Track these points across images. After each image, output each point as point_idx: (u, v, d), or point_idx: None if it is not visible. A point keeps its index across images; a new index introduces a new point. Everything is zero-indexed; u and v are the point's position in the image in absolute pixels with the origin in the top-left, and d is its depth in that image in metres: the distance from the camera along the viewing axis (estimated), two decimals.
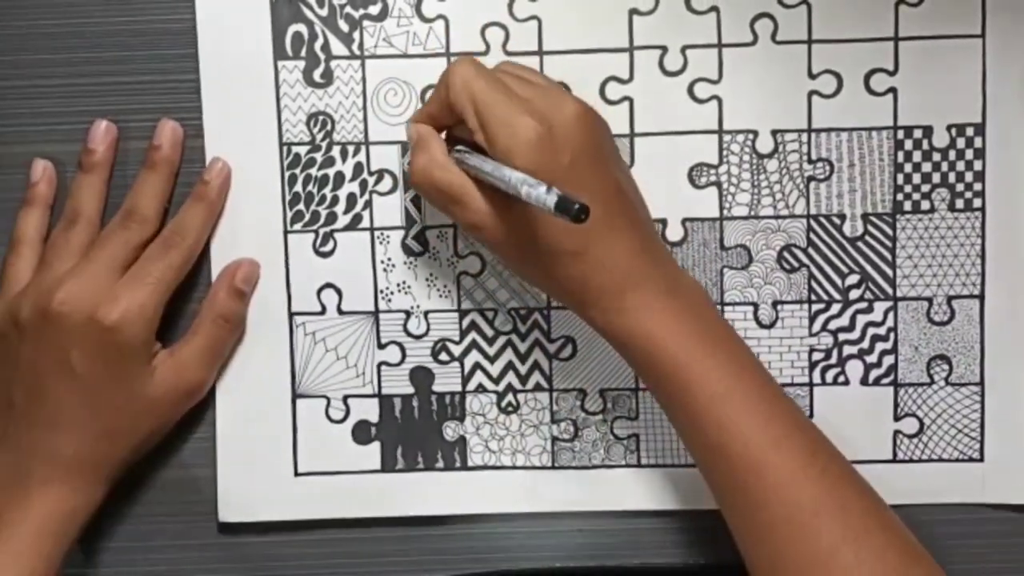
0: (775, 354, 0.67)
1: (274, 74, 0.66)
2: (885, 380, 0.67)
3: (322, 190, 0.67)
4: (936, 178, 0.66)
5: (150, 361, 0.64)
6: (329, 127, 0.67)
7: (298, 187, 0.67)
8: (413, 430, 0.68)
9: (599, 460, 0.68)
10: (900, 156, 0.66)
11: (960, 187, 0.66)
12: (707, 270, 0.67)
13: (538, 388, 0.68)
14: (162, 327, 0.65)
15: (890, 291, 0.67)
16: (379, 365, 0.68)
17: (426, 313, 0.68)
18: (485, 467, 0.68)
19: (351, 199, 0.67)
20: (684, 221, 0.67)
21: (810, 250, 0.67)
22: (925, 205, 0.66)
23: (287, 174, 0.67)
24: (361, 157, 0.67)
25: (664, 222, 0.67)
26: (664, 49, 0.66)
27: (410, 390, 0.68)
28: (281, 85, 0.66)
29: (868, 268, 0.66)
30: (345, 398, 0.68)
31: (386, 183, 0.67)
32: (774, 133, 0.66)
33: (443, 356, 0.68)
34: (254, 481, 0.68)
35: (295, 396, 0.68)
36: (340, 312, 0.68)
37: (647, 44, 0.66)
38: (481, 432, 0.68)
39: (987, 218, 0.66)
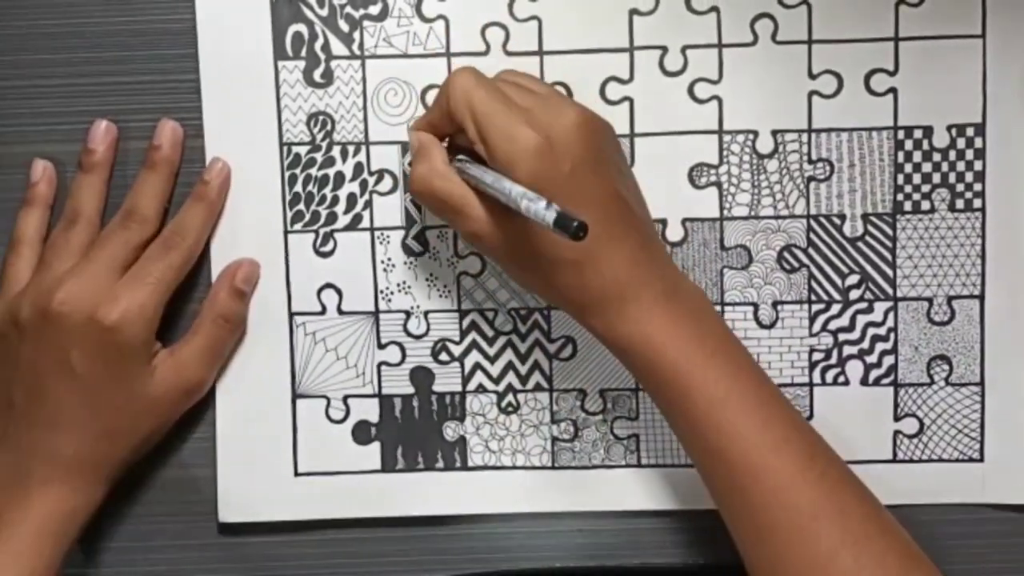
0: (775, 354, 0.67)
1: (274, 74, 0.66)
2: (885, 380, 0.67)
3: (322, 190, 0.67)
4: (936, 178, 0.66)
5: (150, 361, 0.64)
6: (329, 127, 0.67)
7: (298, 187, 0.67)
8: (413, 430, 0.68)
9: (599, 460, 0.68)
10: (900, 156, 0.66)
11: (960, 187, 0.66)
12: (707, 270, 0.67)
13: (538, 388, 0.68)
14: (162, 327, 0.65)
15: (890, 291, 0.67)
16: (379, 365, 0.68)
17: (426, 313, 0.68)
18: (485, 467, 0.68)
19: (351, 199, 0.67)
20: (684, 221, 0.67)
21: (810, 250, 0.67)
22: (925, 205, 0.66)
23: (287, 174, 0.67)
24: (361, 157, 0.67)
25: (664, 222, 0.67)
26: (664, 49, 0.66)
27: (410, 390, 0.68)
28: (281, 85, 0.66)
29: (868, 268, 0.66)
30: (345, 398, 0.68)
31: (386, 183, 0.67)
32: (774, 133, 0.66)
33: (443, 356, 0.68)
34: (254, 481, 0.68)
35: (295, 396, 0.68)
36: (340, 312, 0.68)
37: (647, 44, 0.66)
38: (481, 432, 0.68)
39: (987, 218, 0.66)
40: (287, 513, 0.68)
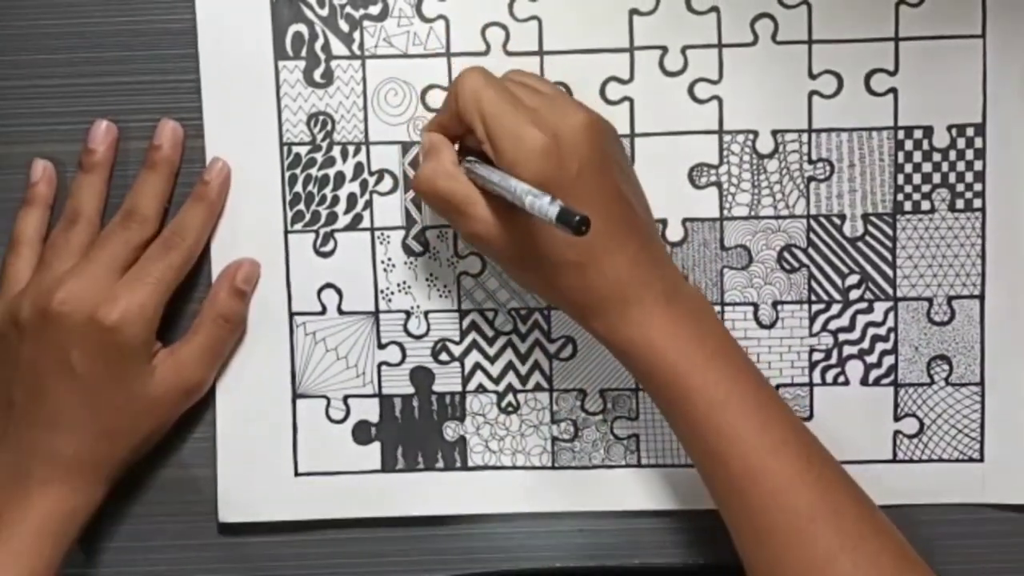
0: (775, 354, 0.67)
1: (274, 74, 0.66)
2: (885, 380, 0.67)
3: (322, 190, 0.67)
4: (936, 178, 0.66)
5: (150, 361, 0.64)
6: (329, 127, 0.67)
7: (298, 187, 0.67)
8: (413, 430, 0.68)
9: (599, 460, 0.68)
10: (900, 156, 0.66)
11: (960, 187, 0.66)
12: (707, 270, 0.67)
13: (538, 388, 0.68)
14: (162, 327, 0.65)
15: (890, 291, 0.67)
16: (379, 365, 0.68)
17: (426, 313, 0.68)
18: (485, 467, 0.68)
19: (351, 199, 0.67)
20: (684, 221, 0.67)
21: (810, 250, 0.67)
22: (925, 205, 0.66)
23: (287, 174, 0.67)
24: (361, 157, 0.67)
25: (664, 222, 0.67)
26: (664, 49, 0.66)
27: (410, 390, 0.68)
28: (281, 85, 0.66)
29: (868, 268, 0.67)
30: (345, 398, 0.68)
31: (386, 183, 0.67)
32: (774, 133, 0.66)
33: (443, 356, 0.68)
34: (254, 481, 0.68)
35: (295, 396, 0.68)
36: (340, 312, 0.68)
37: (647, 44, 0.66)
38: (481, 432, 0.68)
39: (987, 218, 0.66)
40: (287, 513, 0.68)
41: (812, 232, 0.67)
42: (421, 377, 0.68)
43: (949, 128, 0.66)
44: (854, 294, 0.67)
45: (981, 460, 0.67)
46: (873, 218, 0.66)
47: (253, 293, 0.67)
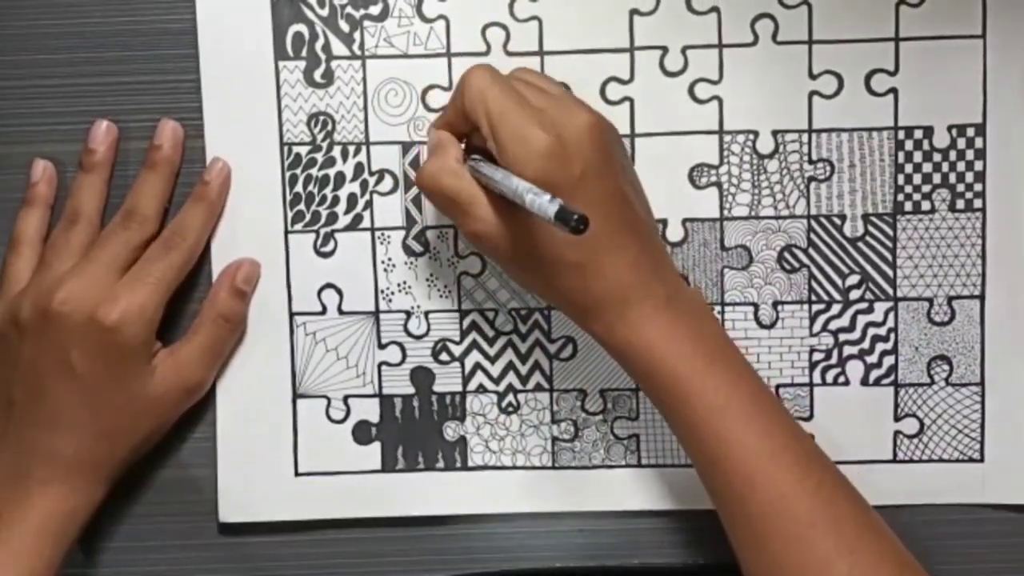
0: (775, 354, 0.67)
1: (275, 74, 0.66)
2: (885, 380, 0.67)
3: (323, 190, 0.67)
4: (937, 178, 0.66)
5: (150, 361, 0.64)
6: (330, 127, 0.67)
7: (299, 187, 0.67)
8: (413, 430, 0.68)
9: (599, 460, 0.68)
10: (901, 156, 0.66)
11: (961, 187, 0.66)
12: (707, 270, 0.67)
13: (538, 388, 0.68)
14: (162, 327, 0.65)
15: (890, 291, 0.67)
16: (379, 365, 0.68)
17: (426, 313, 0.68)
18: (485, 467, 0.68)
19: (352, 199, 0.67)
20: (684, 221, 0.67)
21: (810, 250, 0.67)
22: (926, 205, 0.66)
23: (288, 174, 0.67)
24: (362, 157, 0.67)
25: (664, 222, 0.67)
26: (665, 49, 0.66)
27: (411, 390, 0.68)
28: (282, 85, 0.66)
29: (868, 268, 0.67)
30: (345, 398, 0.68)
31: (387, 183, 0.67)
32: (775, 133, 0.66)
33: (443, 356, 0.68)
34: (254, 481, 0.68)
35: (295, 396, 0.68)
36: (340, 312, 0.68)
37: (648, 44, 0.66)
38: (481, 432, 0.68)
39: (987, 218, 0.66)
40: (287, 513, 0.68)
41: (812, 232, 0.67)
42: (421, 377, 0.68)
43: (949, 128, 0.66)
44: (854, 294, 0.67)
45: (981, 460, 0.67)
46: (873, 218, 0.66)
47: (253, 293, 0.67)
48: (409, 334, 0.68)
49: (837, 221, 0.66)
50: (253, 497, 0.68)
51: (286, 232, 0.67)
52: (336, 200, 0.67)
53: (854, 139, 0.66)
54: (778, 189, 0.66)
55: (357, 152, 0.67)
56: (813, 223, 0.66)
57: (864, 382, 0.67)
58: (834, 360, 0.67)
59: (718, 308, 0.67)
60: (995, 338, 0.66)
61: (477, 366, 0.68)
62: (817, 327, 0.67)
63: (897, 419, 0.67)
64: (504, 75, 0.60)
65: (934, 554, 0.67)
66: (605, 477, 0.68)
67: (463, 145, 0.62)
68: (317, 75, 0.66)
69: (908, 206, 0.66)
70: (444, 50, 0.66)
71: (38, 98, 0.67)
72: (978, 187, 0.66)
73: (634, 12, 0.66)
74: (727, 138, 0.66)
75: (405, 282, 0.67)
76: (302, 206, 0.67)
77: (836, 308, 0.67)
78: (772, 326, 0.67)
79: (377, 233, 0.67)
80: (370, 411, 0.68)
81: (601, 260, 0.59)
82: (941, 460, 0.67)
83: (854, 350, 0.67)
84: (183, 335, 0.66)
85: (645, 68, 0.66)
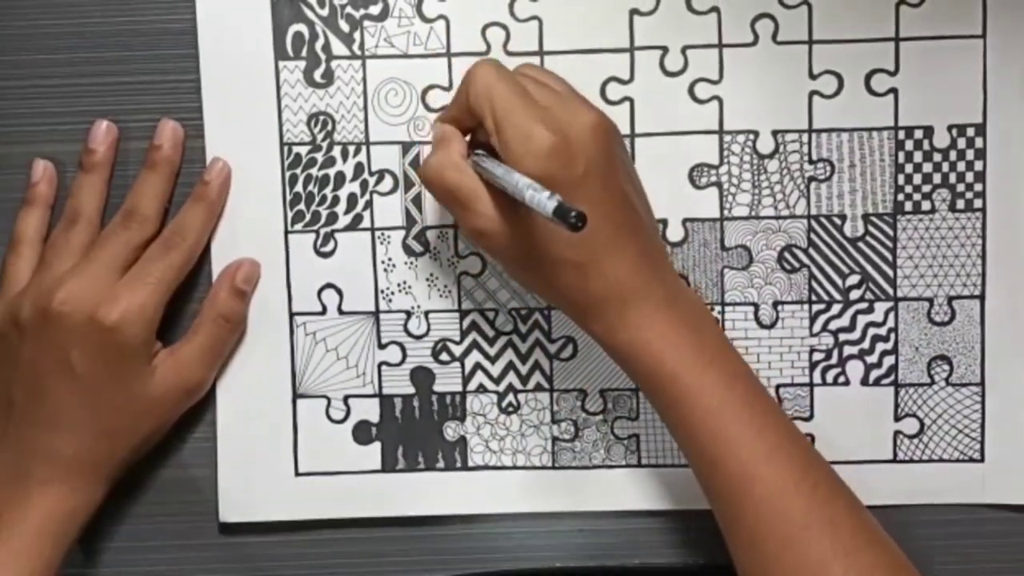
0: (775, 354, 0.67)
1: (275, 74, 0.66)
2: (885, 380, 0.67)
3: (323, 190, 0.67)
4: (937, 178, 0.66)
5: (150, 361, 0.64)
6: (330, 127, 0.67)
7: (299, 187, 0.67)
8: (414, 430, 0.68)
9: (599, 460, 0.68)
10: (901, 156, 0.66)
11: (961, 187, 0.66)
12: (708, 270, 0.67)
13: (539, 388, 0.68)
14: (163, 327, 0.65)
15: (891, 291, 0.67)
16: (380, 365, 0.68)
17: (427, 313, 0.68)
18: (485, 467, 0.68)
19: (352, 199, 0.67)
20: (685, 221, 0.67)
21: (811, 250, 0.67)
22: (926, 205, 0.66)
23: (288, 174, 0.67)
24: (362, 157, 0.67)
25: (665, 222, 0.67)
26: (665, 49, 0.66)
27: (411, 390, 0.68)
28: (282, 85, 0.66)
29: (869, 268, 0.67)
30: (346, 398, 0.68)
31: (387, 183, 0.67)
32: (775, 133, 0.66)
33: (444, 356, 0.68)
34: (254, 481, 0.68)
35: (295, 396, 0.68)
36: (340, 312, 0.68)
37: (648, 44, 0.66)
38: (482, 432, 0.68)
39: (988, 218, 0.66)
40: (287, 513, 0.68)
41: (812, 232, 0.67)
42: (421, 377, 0.68)
43: (949, 128, 0.66)
44: (854, 294, 0.67)
45: (981, 460, 0.67)
46: (873, 218, 0.66)
47: (253, 293, 0.67)
48: (409, 334, 0.68)
49: (837, 221, 0.66)
50: (253, 497, 0.68)
51: (286, 232, 0.67)
52: (336, 200, 0.67)
53: (854, 139, 0.66)
54: (778, 189, 0.66)
55: (357, 152, 0.67)
56: (813, 223, 0.66)
57: (864, 382, 0.67)
58: (834, 360, 0.67)
59: (718, 308, 0.67)
60: (995, 338, 0.66)
61: (477, 366, 0.68)
62: (817, 327, 0.67)
63: (897, 419, 0.67)
64: (510, 71, 0.60)
65: (934, 554, 0.67)
66: (605, 477, 0.68)
67: (468, 139, 0.62)
68: (317, 75, 0.66)
69: (908, 206, 0.66)
70: (444, 50, 0.66)
71: (38, 98, 0.67)
72: (978, 187, 0.66)
73: (634, 12, 0.66)
74: (727, 138, 0.66)
75: (405, 282, 0.67)
76: (302, 206, 0.67)
77: (836, 308, 0.67)
78: (772, 326, 0.67)
79: (377, 233, 0.67)
80: (370, 411, 0.68)
81: (601, 260, 0.59)
82: (941, 460, 0.67)
83: (854, 350, 0.67)
84: (183, 335, 0.66)
85: (645, 68, 0.66)
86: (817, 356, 0.67)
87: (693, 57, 0.66)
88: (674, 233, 0.67)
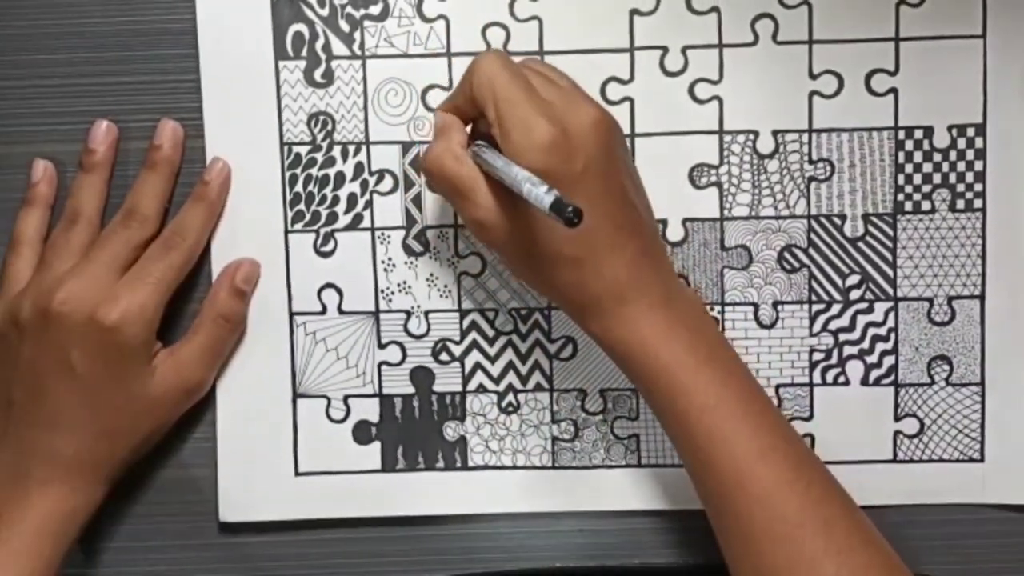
0: (775, 354, 0.67)
1: (275, 74, 0.66)
2: (885, 380, 0.67)
3: (323, 190, 0.67)
4: (937, 178, 0.66)
5: (150, 361, 0.64)
6: (330, 127, 0.67)
7: (299, 187, 0.67)
8: (414, 430, 0.68)
9: (599, 460, 0.68)
10: (901, 156, 0.66)
11: (961, 187, 0.66)
12: (707, 270, 0.67)
13: (539, 388, 0.68)
14: (163, 327, 0.65)
15: (891, 291, 0.67)
16: (379, 365, 0.68)
17: (427, 313, 0.68)
18: (485, 467, 0.68)
19: (352, 199, 0.67)
20: (685, 221, 0.67)
21: (811, 250, 0.67)
22: (926, 205, 0.66)
23: (288, 174, 0.67)
24: (362, 157, 0.67)
25: (665, 222, 0.67)
26: (665, 49, 0.66)
27: (411, 390, 0.68)
28: (282, 85, 0.66)
29: (869, 268, 0.67)
30: (345, 398, 0.68)
31: (387, 183, 0.67)
32: (775, 133, 0.66)
33: (444, 356, 0.68)
34: (254, 481, 0.68)
35: (295, 396, 0.68)
36: (340, 312, 0.68)
37: (648, 44, 0.66)
38: (482, 432, 0.68)
39: (988, 218, 0.66)
40: (287, 513, 0.68)
41: (812, 232, 0.67)
42: (421, 377, 0.68)
43: (949, 128, 0.66)
44: (854, 294, 0.67)
45: (981, 460, 0.67)
46: (873, 218, 0.66)
47: (253, 293, 0.67)
48: (409, 334, 0.68)
49: (837, 221, 0.66)
50: (253, 497, 0.68)
51: (286, 232, 0.67)
52: (336, 200, 0.67)
53: (854, 139, 0.66)
54: (778, 189, 0.66)
55: (357, 152, 0.67)
56: (813, 223, 0.67)
57: (864, 382, 0.67)
58: (834, 360, 0.67)
59: (718, 308, 0.67)
60: (995, 338, 0.66)
61: (477, 366, 0.68)
62: (817, 327, 0.67)
63: (897, 419, 0.67)
64: (515, 63, 0.60)
65: (934, 554, 0.67)
66: (605, 477, 0.68)
67: (468, 129, 0.62)
68: (317, 75, 0.66)
69: (908, 206, 0.66)
70: (444, 50, 0.66)
71: (38, 98, 0.67)
72: (978, 187, 0.66)
73: (634, 12, 0.66)
74: (727, 138, 0.66)
75: (405, 282, 0.67)
76: (302, 206, 0.67)
77: (836, 308, 0.67)
78: (772, 326, 0.67)
79: (377, 233, 0.67)
80: (370, 411, 0.68)
81: (599, 257, 0.59)
82: (941, 460, 0.67)
83: (854, 350, 0.67)
84: (183, 335, 0.66)
85: (645, 68, 0.66)
86: (817, 356, 0.67)
87: (693, 57, 0.66)
88: (674, 233, 0.67)
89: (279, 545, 0.69)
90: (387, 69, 0.66)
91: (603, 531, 0.68)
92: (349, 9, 0.66)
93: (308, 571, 0.69)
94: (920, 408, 0.67)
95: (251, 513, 0.68)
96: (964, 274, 0.66)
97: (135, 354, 0.63)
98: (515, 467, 0.68)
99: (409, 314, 0.68)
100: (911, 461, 0.67)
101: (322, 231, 0.67)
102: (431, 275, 0.67)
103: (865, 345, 0.67)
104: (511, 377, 0.68)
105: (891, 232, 0.66)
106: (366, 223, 0.67)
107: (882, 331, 0.67)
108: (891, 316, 0.67)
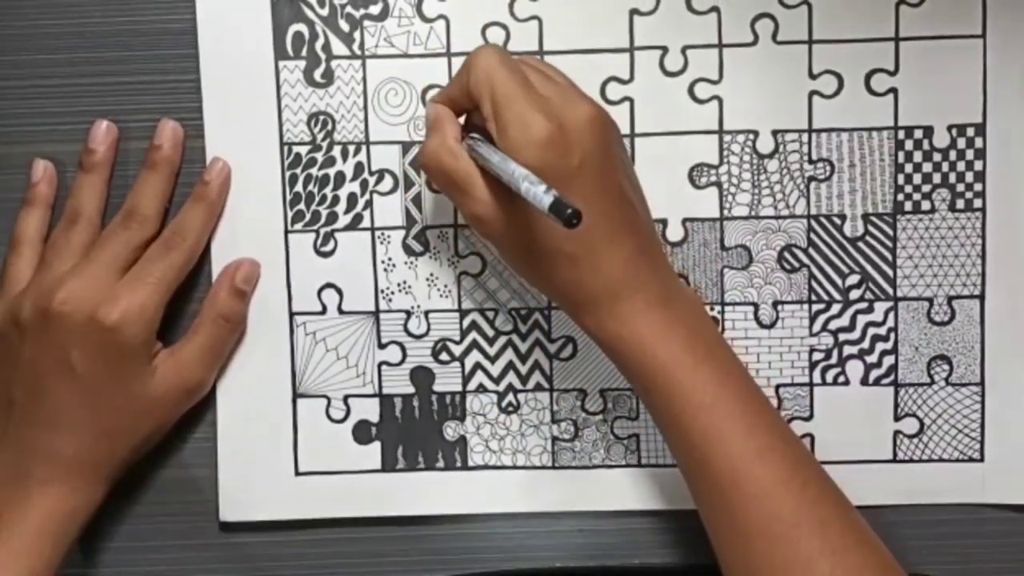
0: (775, 354, 0.67)
1: (275, 74, 0.66)
2: (885, 380, 0.67)
3: (323, 190, 0.67)
4: (937, 178, 0.66)
5: (150, 361, 0.64)
6: (330, 127, 0.67)
7: (299, 187, 0.67)
8: (414, 430, 0.68)
9: (599, 460, 0.68)
10: (901, 156, 0.66)
11: (960, 187, 0.66)
12: (707, 270, 0.67)
13: (538, 388, 0.68)
14: (163, 327, 0.65)
15: (890, 291, 0.67)
16: (379, 365, 0.68)
17: (427, 313, 0.68)
18: (485, 467, 0.68)
19: (352, 199, 0.67)
20: (684, 221, 0.67)
21: (810, 250, 0.67)
22: (926, 205, 0.66)
23: (288, 174, 0.67)
24: (362, 157, 0.67)
25: (664, 222, 0.67)
26: (665, 49, 0.66)
27: (411, 390, 0.68)
28: (282, 85, 0.66)
29: (868, 268, 0.67)
30: (345, 398, 0.68)
31: (387, 183, 0.67)
32: (775, 133, 0.66)
33: (444, 356, 0.68)
34: (255, 481, 0.68)
35: (295, 396, 0.68)
36: (340, 312, 0.68)
37: (648, 44, 0.66)
38: (481, 432, 0.68)
39: (987, 218, 0.66)
40: (288, 512, 0.68)
41: (812, 232, 0.67)
42: (421, 377, 0.68)
43: (949, 128, 0.66)
44: (854, 294, 0.67)
45: (981, 460, 0.67)
46: (873, 218, 0.66)
47: (253, 293, 0.67)
48: (409, 334, 0.68)
49: (837, 221, 0.66)
50: (253, 496, 0.68)
51: (286, 232, 0.67)
52: (336, 200, 0.67)
53: (854, 139, 0.66)
54: (778, 189, 0.66)
55: (357, 152, 0.67)
56: (813, 223, 0.67)
57: (864, 382, 0.67)
58: (834, 360, 0.67)
59: (718, 308, 0.67)
60: (995, 338, 0.66)
61: (477, 366, 0.68)
62: (817, 327, 0.67)
63: (897, 419, 0.67)
64: (512, 58, 0.60)
65: (934, 554, 0.67)
66: (605, 477, 0.68)
67: (462, 121, 0.62)
68: (317, 75, 0.66)
69: (908, 206, 0.66)
70: (444, 50, 0.66)
71: (38, 98, 0.67)
72: (978, 187, 0.66)
73: (634, 12, 0.66)
74: (727, 138, 0.66)
75: (405, 282, 0.67)
76: (302, 206, 0.67)
77: (836, 308, 0.67)
78: (772, 326, 0.67)
79: (377, 233, 0.67)
80: (370, 411, 0.68)
81: (596, 254, 0.59)
82: (941, 460, 0.67)
83: (854, 350, 0.67)
84: (183, 335, 0.66)
85: (645, 68, 0.66)
86: (817, 356, 0.67)
87: (693, 57, 0.66)
88: (674, 233, 0.67)
89: (279, 545, 0.69)
90: (387, 69, 0.66)
91: (603, 531, 0.68)
92: (349, 9, 0.66)
93: (308, 571, 0.69)
94: (920, 408, 0.67)
95: (251, 513, 0.68)
96: (964, 274, 0.66)
97: (135, 354, 0.63)
98: (515, 467, 0.68)
99: (409, 314, 0.68)
100: (911, 461, 0.67)
101: (322, 231, 0.67)
102: (431, 275, 0.67)
103: (865, 345, 0.67)
104: (511, 377, 0.68)
105: (891, 232, 0.66)
106: (366, 223, 0.67)
107: (882, 331, 0.67)
108: (891, 316, 0.67)
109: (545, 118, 0.57)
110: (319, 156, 0.67)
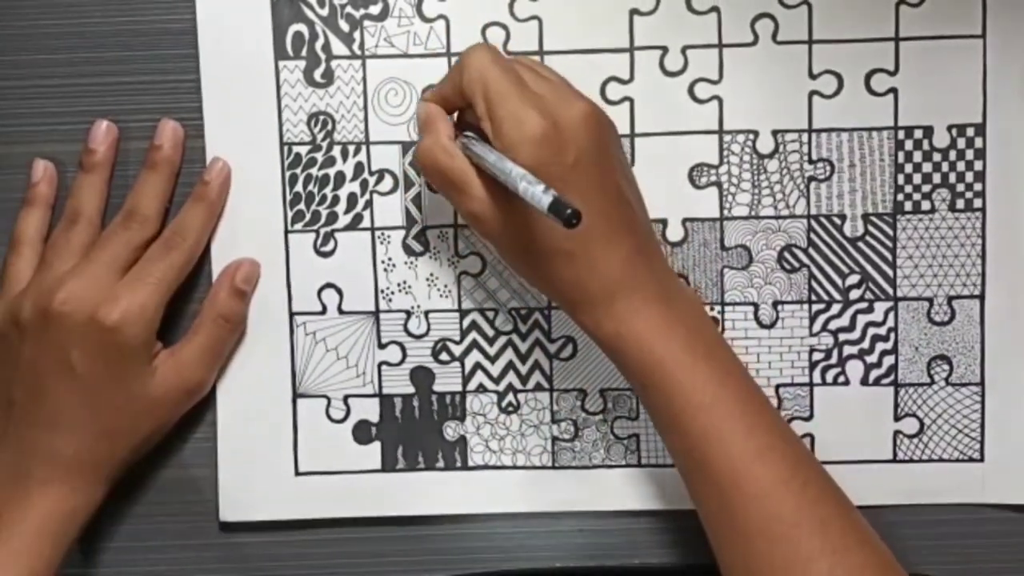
0: (775, 354, 0.67)
1: (275, 74, 0.66)
2: (885, 380, 0.67)
3: (323, 190, 0.67)
4: (937, 178, 0.66)
5: (150, 361, 0.64)
6: (330, 127, 0.67)
7: (299, 187, 0.67)
8: (414, 430, 0.68)
9: (599, 460, 0.68)
10: (901, 156, 0.66)
11: (960, 187, 0.66)
12: (707, 270, 0.67)
13: (538, 388, 0.68)
14: (163, 327, 0.65)
15: (890, 291, 0.67)
16: (379, 365, 0.68)
17: (427, 313, 0.68)
18: (485, 467, 0.68)
19: (352, 199, 0.67)
20: (684, 221, 0.67)
21: (810, 250, 0.67)
22: (926, 205, 0.66)
23: (288, 174, 0.67)
24: (362, 157, 0.67)
25: (664, 222, 0.67)
26: (665, 49, 0.66)
27: (411, 390, 0.68)
28: (282, 85, 0.66)
29: (868, 268, 0.67)
30: (345, 398, 0.68)
31: (387, 183, 0.67)
32: (775, 133, 0.66)
33: (444, 356, 0.68)
34: (254, 480, 0.68)
35: (295, 396, 0.68)
36: (340, 312, 0.68)
37: (648, 44, 0.66)
38: (482, 432, 0.68)
39: (987, 218, 0.66)
40: (288, 512, 0.68)
41: (812, 232, 0.67)
42: (421, 377, 0.68)
43: (949, 128, 0.66)
44: (854, 294, 0.67)
45: (981, 460, 0.67)
46: (873, 218, 0.66)
47: (253, 293, 0.67)
48: (409, 334, 0.68)
49: (837, 221, 0.66)
50: (253, 496, 0.68)
51: (286, 232, 0.67)
52: (336, 200, 0.67)
53: (854, 139, 0.66)
54: (778, 189, 0.66)
55: (357, 152, 0.67)
56: (813, 223, 0.67)
57: (864, 382, 0.67)
58: (834, 360, 0.67)
59: (718, 308, 0.67)
60: (995, 338, 0.66)
61: (477, 366, 0.68)
62: (817, 327, 0.67)
63: (897, 419, 0.67)
64: (505, 57, 0.60)
65: (934, 554, 0.67)
66: (605, 477, 0.68)
67: (454, 119, 0.62)
68: (317, 75, 0.66)
69: (908, 206, 0.66)
70: (444, 50, 0.66)
71: (38, 98, 0.67)
72: (978, 187, 0.66)
73: (634, 12, 0.66)
74: (727, 138, 0.66)
75: (405, 282, 0.67)
76: (302, 206, 0.67)
77: (836, 308, 0.67)
78: (772, 326, 0.67)
79: (377, 233, 0.67)
80: (370, 411, 0.68)
81: (593, 252, 0.58)
82: (941, 460, 0.67)
83: (854, 350, 0.67)
84: (183, 335, 0.66)
85: (645, 68, 0.66)
86: (817, 356, 0.67)
87: (693, 57, 0.66)
88: (674, 233, 0.67)
89: (279, 545, 0.69)
90: (387, 69, 0.66)
91: (603, 531, 0.68)
92: (349, 9, 0.66)
93: (308, 571, 0.69)
94: (920, 408, 0.67)
95: (251, 513, 0.68)
96: (964, 274, 0.66)
97: (135, 354, 0.63)
98: (515, 467, 0.68)
99: (409, 314, 0.68)
100: (911, 461, 0.67)
101: (322, 231, 0.67)
102: (431, 275, 0.67)
103: (865, 345, 0.67)
104: (511, 377, 0.68)
105: (891, 232, 0.66)
106: (366, 223, 0.67)
107: (882, 331, 0.67)
108: (891, 316, 0.67)
109: (539, 115, 0.57)
110: (319, 156, 0.67)
